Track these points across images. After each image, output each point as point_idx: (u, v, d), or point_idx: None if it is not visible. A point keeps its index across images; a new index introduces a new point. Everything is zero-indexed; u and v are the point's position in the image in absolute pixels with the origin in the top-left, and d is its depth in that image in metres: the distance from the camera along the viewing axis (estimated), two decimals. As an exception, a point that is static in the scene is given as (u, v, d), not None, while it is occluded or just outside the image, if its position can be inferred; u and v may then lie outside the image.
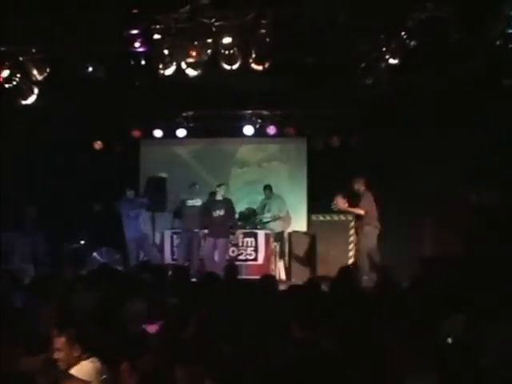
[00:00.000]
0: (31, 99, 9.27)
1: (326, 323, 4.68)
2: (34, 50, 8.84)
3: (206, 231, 11.50)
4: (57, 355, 4.31)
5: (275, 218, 12.48)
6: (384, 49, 8.41)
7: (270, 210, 12.55)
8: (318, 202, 12.52)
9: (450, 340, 4.24)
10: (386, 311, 5.07)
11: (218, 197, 11.43)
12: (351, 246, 11.76)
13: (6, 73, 8.84)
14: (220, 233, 11.26)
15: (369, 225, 10.38)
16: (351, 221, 11.76)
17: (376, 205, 10.41)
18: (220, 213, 11.26)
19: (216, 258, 11.23)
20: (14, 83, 8.97)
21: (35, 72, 8.96)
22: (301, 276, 10.92)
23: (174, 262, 11.53)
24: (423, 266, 8.96)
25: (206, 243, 11.47)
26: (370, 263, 10.16)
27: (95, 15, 8.12)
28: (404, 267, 8.57)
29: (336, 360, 3.87)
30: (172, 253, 12.08)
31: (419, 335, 3.90)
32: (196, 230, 11.69)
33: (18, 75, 8.96)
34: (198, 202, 11.69)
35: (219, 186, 11.52)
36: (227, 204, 11.44)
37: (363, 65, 8.90)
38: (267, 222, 12.41)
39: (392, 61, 8.34)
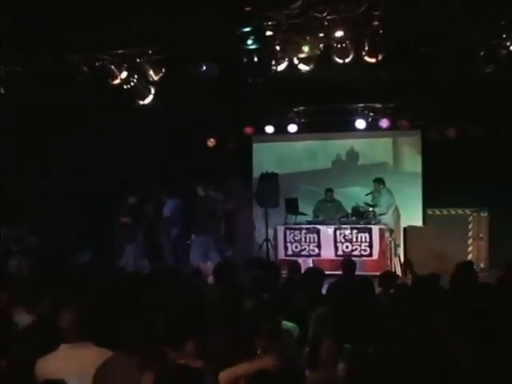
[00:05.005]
0: (148, 99, 9.56)
1: (445, 319, 4.53)
2: (150, 52, 9.11)
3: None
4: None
5: (381, 214, 12.15)
6: (504, 35, 8.03)
7: (377, 205, 12.18)
8: (433, 196, 12.18)
9: None
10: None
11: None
12: (470, 241, 11.35)
13: (124, 74, 9.18)
14: None
15: None
16: (469, 215, 11.35)
17: None
18: None
19: None
20: (132, 84, 9.29)
21: (151, 72, 9.24)
22: (417, 272, 10.61)
23: (287, 258, 11.52)
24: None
25: None
26: None
27: (208, 15, 8.25)
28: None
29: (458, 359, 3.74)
30: (285, 248, 12.08)
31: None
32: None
33: (136, 76, 9.27)
34: None
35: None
36: None
37: (482, 53, 8.52)
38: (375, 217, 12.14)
39: (513, 48, 7.96)
